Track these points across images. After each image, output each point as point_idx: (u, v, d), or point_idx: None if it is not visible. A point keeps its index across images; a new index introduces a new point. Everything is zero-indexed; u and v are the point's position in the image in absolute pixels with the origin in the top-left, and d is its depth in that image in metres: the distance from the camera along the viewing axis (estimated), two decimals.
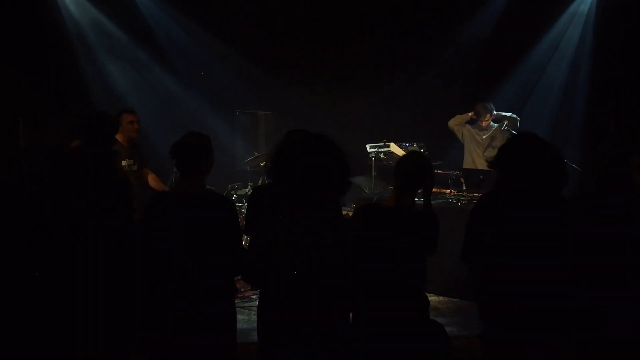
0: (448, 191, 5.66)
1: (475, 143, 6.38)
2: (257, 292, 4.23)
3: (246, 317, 4.64)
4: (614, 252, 2.54)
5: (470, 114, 6.32)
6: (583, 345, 2.59)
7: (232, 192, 6.15)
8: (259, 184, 6.24)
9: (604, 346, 2.54)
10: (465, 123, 6.39)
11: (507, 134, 5.91)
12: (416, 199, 2.93)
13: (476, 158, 6.31)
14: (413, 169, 2.79)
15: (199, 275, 2.63)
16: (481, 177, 5.58)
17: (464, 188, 5.68)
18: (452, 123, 6.44)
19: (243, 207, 5.87)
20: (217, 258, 2.65)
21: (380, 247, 2.64)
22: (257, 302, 2.60)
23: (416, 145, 6.21)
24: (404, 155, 3.01)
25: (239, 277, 3.02)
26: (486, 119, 6.22)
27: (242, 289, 5.23)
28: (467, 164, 6.32)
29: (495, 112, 6.26)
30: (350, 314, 2.51)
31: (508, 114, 6.24)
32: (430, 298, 3.05)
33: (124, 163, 4.88)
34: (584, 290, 2.57)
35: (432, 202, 3.05)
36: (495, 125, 6.29)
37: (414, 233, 2.72)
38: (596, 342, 2.56)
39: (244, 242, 5.67)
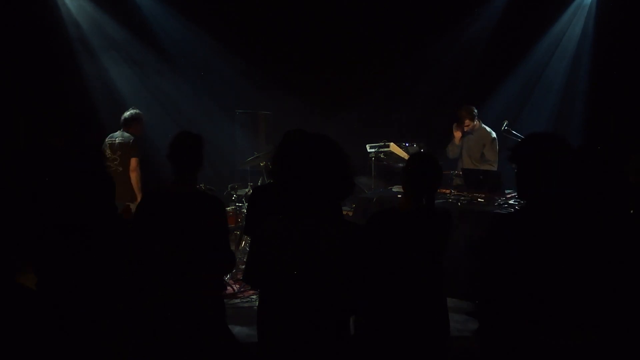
0: (448, 191, 5.64)
1: (466, 147, 6.35)
2: (257, 292, 4.24)
3: (246, 317, 4.64)
4: (609, 251, 2.54)
5: (456, 134, 6.27)
6: (583, 345, 2.59)
7: (232, 192, 6.14)
8: (259, 184, 6.24)
9: (604, 346, 2.54)
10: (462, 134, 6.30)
11: (506, 133, 5.90)
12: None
13: (474, 161, 6.29)
14: (425, 174, 2.76)
15: (190, 273, 2.66)
16: (481, 177, 5.58)
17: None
18: (450, 155, 6.41)
19: (243, 207, 5.86)
20: (207, 256, 2.69)
21: (402, 252, 2.64)
22: (257, 302, 2.61)
23: (416, 145, 6.19)
24: (412, 158, 2.92)
25: (241, 277, 3.04)
26: (467, 124, 6.16)
27: (242, 289, 5.23)
28: (467, 165, 6.32)
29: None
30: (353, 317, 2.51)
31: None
32: None
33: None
34: (583, 290, 2.56)
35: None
36: (486, 128, 6.23)
37: (435, 235, 2.74)
38: (596, 342, 2.56)
39: (243, 243, 5.68)
